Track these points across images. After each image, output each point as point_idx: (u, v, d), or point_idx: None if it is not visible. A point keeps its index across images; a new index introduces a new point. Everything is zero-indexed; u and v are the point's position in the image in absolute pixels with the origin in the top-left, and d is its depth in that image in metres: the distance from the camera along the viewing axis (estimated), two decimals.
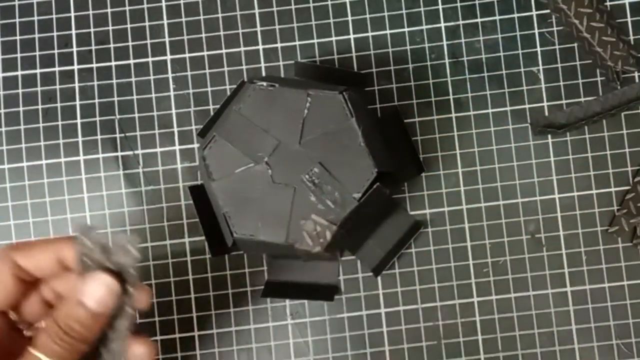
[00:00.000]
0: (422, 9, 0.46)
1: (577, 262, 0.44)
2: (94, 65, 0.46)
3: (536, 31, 0.46)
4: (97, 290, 0.31)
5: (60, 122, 0.45)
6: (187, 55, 0.46)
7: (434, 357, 0.44)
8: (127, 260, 0.31)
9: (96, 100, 0.46)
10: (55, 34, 0.46)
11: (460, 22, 0.46)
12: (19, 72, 0.46)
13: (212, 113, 0.44)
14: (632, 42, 0.45)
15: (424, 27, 0.46)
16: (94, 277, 0.31)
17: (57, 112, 0.46)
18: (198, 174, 0.45)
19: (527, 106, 0.45)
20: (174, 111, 0.45)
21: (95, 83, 0.46)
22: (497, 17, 0.46)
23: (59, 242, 0.33)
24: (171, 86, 0.46)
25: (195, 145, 0.45)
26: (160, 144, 0.45)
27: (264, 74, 0.46)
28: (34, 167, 0.45)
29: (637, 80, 0.45)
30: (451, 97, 0.45)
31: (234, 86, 0.44)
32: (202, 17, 0.46)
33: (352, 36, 0.46)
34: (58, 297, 0.34)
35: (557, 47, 0.45)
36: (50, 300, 0.35)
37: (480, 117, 0.45)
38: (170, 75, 0.46)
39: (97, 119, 0.46)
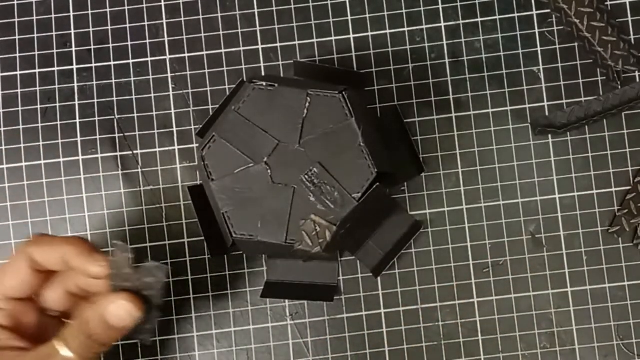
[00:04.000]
0: (422, 8, 0.46)
1: (578, 263, 0.44)
2: (93, 65, 0.46)
3: (536, 31, 0.45)
4: (119, 312, 0.35)
5: (59, 122, 0.45)
6: (186, 55, 0.46)
7: (434, 357, 0.44)
8: (154, 283, 0.36)
9: (95, 100, 0.46)
10: (54, 33, 0.46)
11: (461, 21, 0.46)
12: (18, 72, 0.46)
13: (211, 113, 0.44)
14: (632, 42, 0.45)
15: (424, 26, 0.46)
16: (119, 301, 0.35)
17: (56, 111, 0.45)
18: (197, 174, 0.45)
19: (527, 106, 0.45)
20: (173, 111, 0.45)
21: (95, 83, 0.46)
22: (497, 17, 0.45)
23: (65, 243, 0.37)
24: (170, 86, 0.46)
25: (195, 145, 0.45)
26: (159, 143, 0.45)
27: (263, 73, 0.46)
28: (33, 167, 0.45)
29: (637, 80, 0.45)
30: (451, 97, 0.45)
31: (233, 86, 0.44)
32: (201, 16, 0.46)
33: (351, 36, 0.46)
34: (80, 290, 0.38)
35: (557, 46, 0.45)
36: (73, 292, 0.38)
37: (480, 117, 0.45)
38: (169, 75, 0.46)
39: (96, 118, 0.45)
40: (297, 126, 0.38)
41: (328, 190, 0.38)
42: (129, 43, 0.46)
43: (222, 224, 0.39)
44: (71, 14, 0.46)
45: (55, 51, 0.46)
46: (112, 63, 0.46)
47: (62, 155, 0.45)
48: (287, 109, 0.38)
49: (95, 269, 0.36)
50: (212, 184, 0.38)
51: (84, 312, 0.36)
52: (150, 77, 0.46)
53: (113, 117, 0.45)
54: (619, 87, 0.44)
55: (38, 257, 0.36)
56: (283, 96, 0.38)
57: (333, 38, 0.46)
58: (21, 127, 0.45)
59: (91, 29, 0.46)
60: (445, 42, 0.45)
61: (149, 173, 0.45)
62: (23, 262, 0.36)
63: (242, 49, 0.46)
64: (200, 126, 0.44)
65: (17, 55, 0.46)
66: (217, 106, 0.43)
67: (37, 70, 0.46)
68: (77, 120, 0.45)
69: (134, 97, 0.46)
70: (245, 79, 0.45)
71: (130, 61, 0.46)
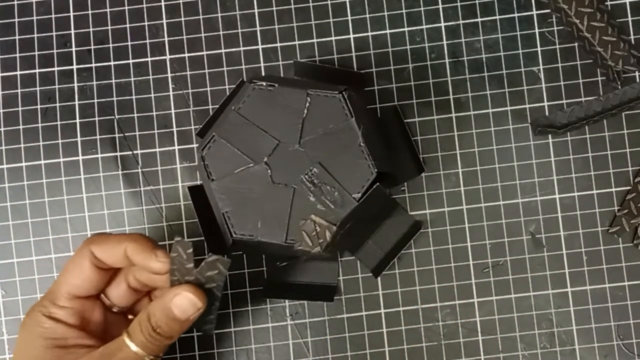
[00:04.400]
0: (422, 8, 0.46)
1: (578, 263, 0.44)
2: (93, 65, 0.46)
3: (536, 31, 0.45)
4: (183, 304, 0.35)
5: (59, 122, 0.45)
6: (186, 55, 0.46)
7: (434, 357, 0.44)
8: (216, 276, 0.36)
9: (95, 100, 0.46)
10: (54, 33, 0.46)
11: (461, 21, 0.46)
12: (18, 72, 0.46)
13: (211, 113, 0.44)
14: (632, 42, 0.45)
15: (424, 26, 0.46)
16: (183, 293, 0.35)
17: (56, 112, 0.45)
18: (197, 174, 0.45)
19: (527, 106, 0.45)
20: (173, 111, 0.45)
21: (95, 83, 0.46)
22: (498, 17, 0.45)
23: (125, 240, 0.37)
24: (170, 86, 0.46)
25: (195, 145, 0.45)
26: (159, 144, 0.45)
27: (263, 73, 0.46)
28: (33, 167, 0.45)
29: (637, 80, 0.45)
30: (451, 97, 0.45)
31: (233, 86, 0.44)
32: (201, 16, 0.46)
33: (351, 36, 0.46)
34: (142, 285, 0.39)
35: (557, 46, 0.45)
36: (135, 287, 0.39)
37: (480, 117, 0.45)
38: (169, 75, 0.46)
39: (96, 118, 0.45)
40: (297, 126, 0.38)
41: (328, 190, 0.38)
42: (129, 43, 0.46)
43: (222, 224, 0.39)
44: (71, 14, 0.46)
45: (55, 51, 0.46)
46: (112, 63, 0.46)
47: (62, 156, 0.45)
48: (287, 109, 0.38)
49: (157, 265, 0.36)
50: (212, 184, 0.38)
51: (148, 306, 0.36)
52: (150, 77, 0.46)
53: (113, 117, 0.45)
54: (619, 87, 0.44)
55: (100, 255, 0.37)
56: (283, 96, 0.38)
57: (333, 38, 0.46)
58: (21, 127, 0.45)
59: (91, 29, 0.46)
60: (445, 42, 0.45)
61: (149, 173, 0.45)
62: (86, 260, 0.37)
63: (242, 49, 0.46)
64: (200, 126, 0.44)
65: (17, 55, 0.46)
66: (217, 106, 0.43)
67: (37, 70, 0.46)
68: (77, 120, 0.45)
69: (134, 97, 0.46)
70: (245, 79, 0.45)
71: (130, 61, 0.46)
